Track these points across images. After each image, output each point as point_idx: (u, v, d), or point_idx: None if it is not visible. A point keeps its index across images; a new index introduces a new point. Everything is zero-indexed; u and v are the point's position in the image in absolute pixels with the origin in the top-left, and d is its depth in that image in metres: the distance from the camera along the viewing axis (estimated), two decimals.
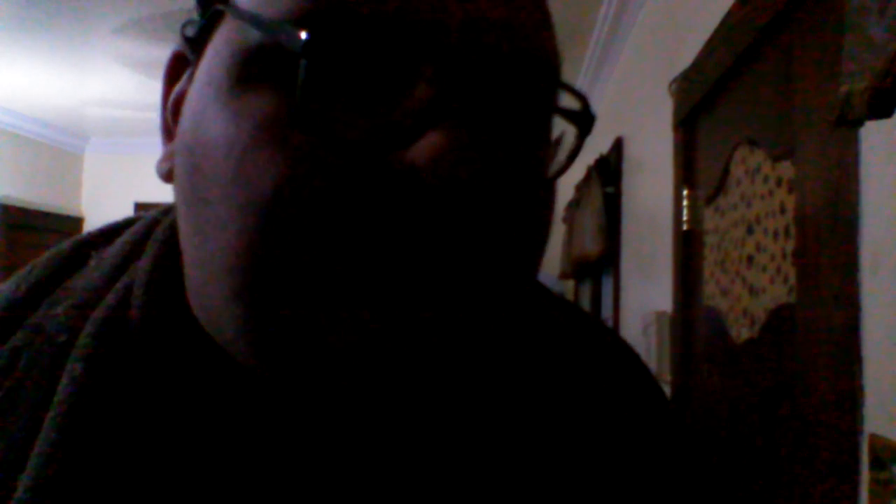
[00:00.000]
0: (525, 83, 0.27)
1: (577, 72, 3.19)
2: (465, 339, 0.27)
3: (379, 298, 0.25)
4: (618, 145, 2.50)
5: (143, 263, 0.33)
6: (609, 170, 2.58)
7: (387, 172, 0.24)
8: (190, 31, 0.31)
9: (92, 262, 0.36)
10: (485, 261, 0.26)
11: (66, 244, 0.37)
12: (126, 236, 0.36)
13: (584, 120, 0.29)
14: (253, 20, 0.26)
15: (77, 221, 4.91)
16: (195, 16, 0.31)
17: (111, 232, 0.38)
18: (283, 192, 0.24)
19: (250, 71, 0.26)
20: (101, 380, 0.29)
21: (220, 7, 0.28)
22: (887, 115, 0.60)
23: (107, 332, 0.30)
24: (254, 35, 0.26)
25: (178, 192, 0.29)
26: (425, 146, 0.24)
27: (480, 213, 0.25)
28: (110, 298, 0.32)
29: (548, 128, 0.29)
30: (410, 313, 0.25)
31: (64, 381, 0.29)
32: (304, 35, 0.24)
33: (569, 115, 0.29)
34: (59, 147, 4.86)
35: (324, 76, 0.25)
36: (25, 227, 4.39)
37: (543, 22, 0.28)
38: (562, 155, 0.29)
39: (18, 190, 4.43)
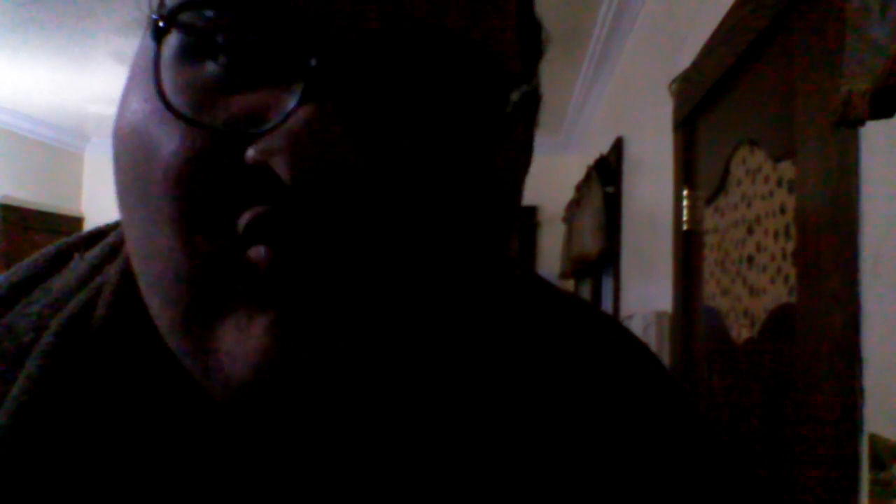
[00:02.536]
0: (434, 69, 0.24)
1: (577, 72, 3.18)
2: (359, 354, 0.24)
3: (262, 306, 0.23)
4: (618, 145, 2.50)
5: (116, 265, 0.32)
6: (609, 169, 2.58)
7: (240, 158, 0.23)
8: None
9: (72, 264, 0.35)
10: (370, 263, 0.24)
11: (53, 246, 0.37)
12: (110, 238, 0.36)
13: (528, 106, 0.26)
14: (154, 9, 0.26)
15: (77, 221, 4.89)
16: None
17: (98, 234, 0.37)
18: (166, 177, 0.24)
19: (151, 58, 0.26)
20: (56, 378, 0.29)
21: None
22: (888, 115, 0.60)
23: (69, 331, 0.30)
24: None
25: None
26: (285, 128, 0.22)
27: (355, 198, 0.23)
28: (79, 299, 0.31)
29: (491, 115, 0.26)
30: (295, 327, 0.23)
31: (20, 378, 0.29)
32: (160, 23, 0.24)
33: (511, 103, 0.26)
34: (59, 147, 4.85)
35: (200, 60, 0.24)
36: (25, 227, 4.38)
37: (482, 6, 0.25)
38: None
39: (18, 190, 4.42)
